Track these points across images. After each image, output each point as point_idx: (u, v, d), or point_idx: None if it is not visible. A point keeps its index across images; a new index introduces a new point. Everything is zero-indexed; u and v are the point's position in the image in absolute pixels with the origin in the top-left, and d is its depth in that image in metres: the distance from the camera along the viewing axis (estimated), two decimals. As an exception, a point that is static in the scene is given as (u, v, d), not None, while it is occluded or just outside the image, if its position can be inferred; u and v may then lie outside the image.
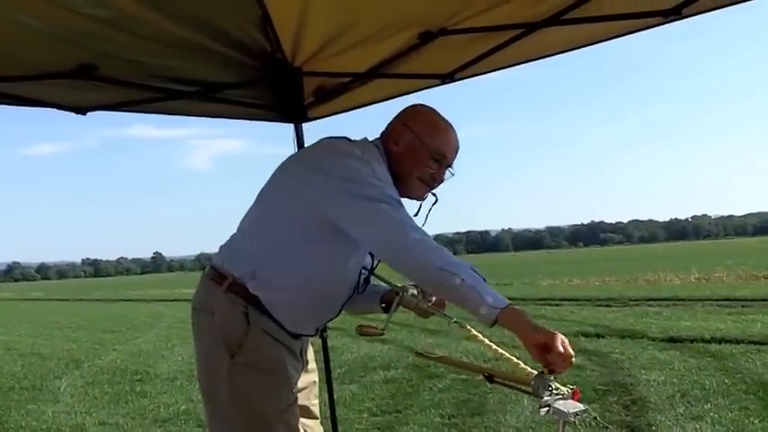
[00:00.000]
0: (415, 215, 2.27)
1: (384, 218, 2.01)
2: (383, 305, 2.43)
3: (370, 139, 2.31)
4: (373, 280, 2.41)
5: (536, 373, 1.87)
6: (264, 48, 3.14)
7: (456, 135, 2.29)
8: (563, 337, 1.82)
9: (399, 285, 2.38)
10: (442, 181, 2.28)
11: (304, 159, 2.34)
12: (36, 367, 10.74)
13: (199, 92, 3.36)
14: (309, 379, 2.43)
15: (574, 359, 1.83)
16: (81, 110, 3.32)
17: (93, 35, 2.66)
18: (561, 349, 1.79)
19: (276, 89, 3.42)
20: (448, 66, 3.34)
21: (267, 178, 2.32)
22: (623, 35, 2.98)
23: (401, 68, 3.29)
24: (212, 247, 2.40)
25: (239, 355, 2.12)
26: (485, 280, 1.92)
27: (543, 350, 1.81)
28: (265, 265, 2.15)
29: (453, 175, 2.29)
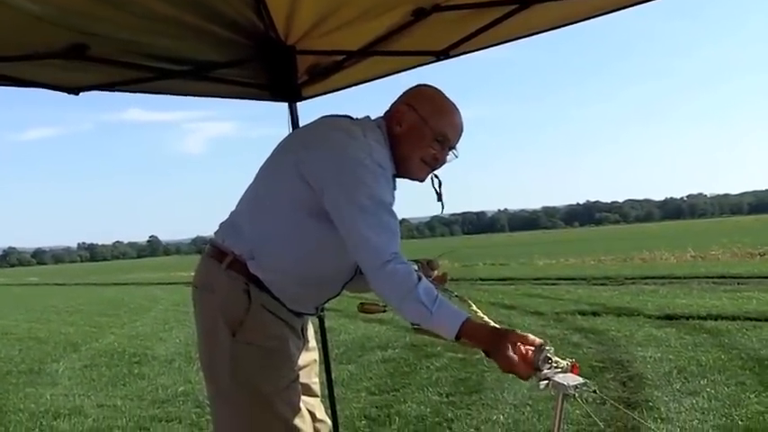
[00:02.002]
0: (442, 208, 2.31)
1: (358, 232, 1.99)
2: None
3: (373, 117, 2.27)
4: None
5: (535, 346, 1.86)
6: (257, 26, 3.11)
7: (461, 117, 2.27)
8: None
9: None
10: (445, 162, 2.26)
11: (306, 140, 2.25)
12: (34, 351, 10.75)
13: (191, 71, 3.33)
14: (310, 357, 2.42)
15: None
16: (74, 90, 3.28)
17: (84, 14, 2.63)
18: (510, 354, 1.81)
19: (269, 68, 3.39)
20: (442, 42, 3.31)
21: (263, 159, 2.29)
22: (619, 9, 2.95)
23: (395, 46, 3.26)
24: (208, 231, 2.40)
25: (240, 333, 2.12)
26: (437, 299, 1.92)
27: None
28: (264, 246, 2.14)
29: (457, 156, 2.28)
